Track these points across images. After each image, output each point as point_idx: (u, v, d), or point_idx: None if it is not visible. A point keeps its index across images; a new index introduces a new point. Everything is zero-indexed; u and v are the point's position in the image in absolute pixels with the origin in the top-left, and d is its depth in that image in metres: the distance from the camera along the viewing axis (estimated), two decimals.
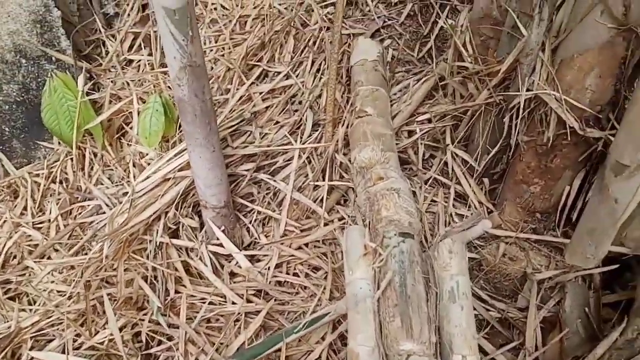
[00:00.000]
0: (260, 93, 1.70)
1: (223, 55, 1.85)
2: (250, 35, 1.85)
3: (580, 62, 1.22)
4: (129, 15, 2.07)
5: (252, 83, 1.72)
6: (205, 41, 1.88)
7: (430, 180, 1.73)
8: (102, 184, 1.74)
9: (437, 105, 1.72)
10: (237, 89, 1.72)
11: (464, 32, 1.54)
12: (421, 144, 1.72)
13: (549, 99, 1.28)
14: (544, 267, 1.45)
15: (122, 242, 1.41)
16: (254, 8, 1.97)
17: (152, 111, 1.59)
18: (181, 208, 1.51)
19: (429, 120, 1.73)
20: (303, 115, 1.67)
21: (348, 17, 2.18)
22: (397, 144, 1.66)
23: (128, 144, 1.81)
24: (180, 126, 1.54)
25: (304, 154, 1.59)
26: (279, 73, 1.77)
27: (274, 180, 1.56)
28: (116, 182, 1.70)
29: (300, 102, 1.74)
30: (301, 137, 1.59)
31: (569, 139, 1.35)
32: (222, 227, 1.53)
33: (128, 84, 1.88)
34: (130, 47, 2.06)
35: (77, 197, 1.72)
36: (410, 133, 1.76)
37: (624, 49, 1.17)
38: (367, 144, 1.50)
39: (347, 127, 1.61)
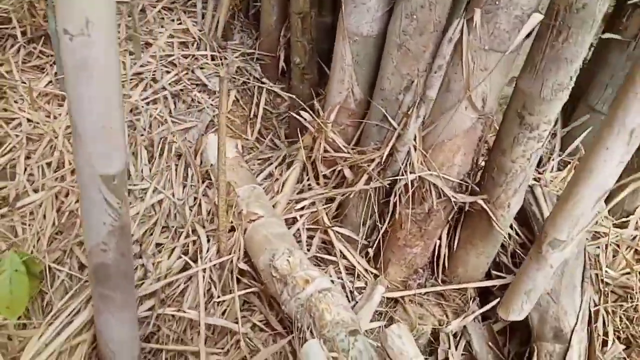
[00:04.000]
0: (134, 215, 1.52)
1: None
2: None
3: (450, 145, 1.46)
4: None
5: None
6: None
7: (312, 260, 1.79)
8: None
9: (311, 190, 1.79)
10: None
11: (328, 124, 1.66)
12: (304, 229, 1.77)
13: (431, 178, 1.49)
14: (445, 317, 1.65)
15: None
16: None
17: (10, 273, 1.26)
18: None
19: (303, 207, 1.80)
20: (189, 232, 1.55)
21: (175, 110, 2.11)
22: None
23: None
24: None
25: (204, 272, 1.48)
26: (145, 190, 1.60)
27: (183, 311, 1.41)
28: None
29: (175, 217, 1.61)
30: (200, 256, 1.48)
31: (442, 205, 1.59)
32: None
33: None
34: None
35: None
36: (289, 220, 1.79)
37: (480, 131, 1.45)
38: (274, 248, 1.48)
39: (242, 233, 1.56)
